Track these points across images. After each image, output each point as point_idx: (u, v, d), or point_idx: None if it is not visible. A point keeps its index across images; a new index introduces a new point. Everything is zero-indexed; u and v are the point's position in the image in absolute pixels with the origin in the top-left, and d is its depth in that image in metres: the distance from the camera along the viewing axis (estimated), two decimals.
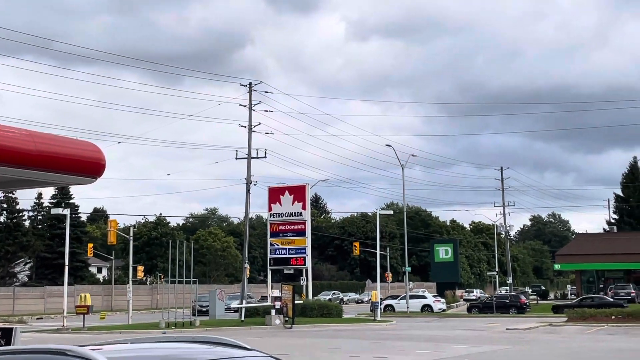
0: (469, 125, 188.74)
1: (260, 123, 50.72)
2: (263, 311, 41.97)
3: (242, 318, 41.17)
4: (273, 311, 39.09)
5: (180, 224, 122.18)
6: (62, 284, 72.12)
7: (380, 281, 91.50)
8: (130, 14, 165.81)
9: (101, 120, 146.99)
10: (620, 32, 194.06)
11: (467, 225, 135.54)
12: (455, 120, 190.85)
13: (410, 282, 79.67)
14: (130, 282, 45.72)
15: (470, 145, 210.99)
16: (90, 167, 18.08)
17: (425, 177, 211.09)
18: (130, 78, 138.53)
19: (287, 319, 38.99)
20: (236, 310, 45.19)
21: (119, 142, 56.69)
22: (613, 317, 41.59)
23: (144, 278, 69.40)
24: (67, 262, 41.63)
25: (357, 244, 71.21)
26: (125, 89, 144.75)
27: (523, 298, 58.07)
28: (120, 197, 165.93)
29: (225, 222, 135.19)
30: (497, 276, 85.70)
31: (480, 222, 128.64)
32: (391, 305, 60.30)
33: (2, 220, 71.74)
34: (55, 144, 17.26)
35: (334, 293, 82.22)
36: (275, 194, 45.38)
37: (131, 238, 46.22)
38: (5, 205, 70.65)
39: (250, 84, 50.88)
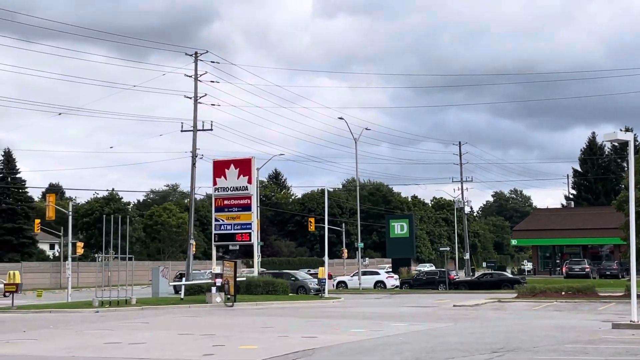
0: (435, 102, 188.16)
1: (206, 94, 49.14)
2: (207, 289, 40.58)
3: (183, 296, 39.72)
4: (214, 289, 37.72)
5: (141, 200, 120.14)
6: (9, 261, 70.33)
7: (337, 257, 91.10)
8: None
9: (65, 95, 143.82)
10: (586, 10, 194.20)
11: (428, 202, 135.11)
12: (422, 97, 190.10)
13: (366, 258, 78.91)
14: (70, 259, 44.03)
15: (436, 122, 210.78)
16: None
17: (392, 154, 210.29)
18: (95, 52, 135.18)
19: (228, 296, 37.64)
20: (179, 289, 43.73)
21: (59, 114, 54.37)
22: (563, 292, 40.84)
23: (97, 255, 67.54)
24: None
25: (312, 219, 70.07)
26: (91, 62, 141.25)
27: (452, 274, 58.92)
28: (86, 173, 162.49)
29: (187, 198, 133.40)
30: (455, 251, 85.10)
31: (441, 198, 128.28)
32: (344, 282, 59.27)
33: None
34: None
35: (283, 270, 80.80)
36: (220, 168, 43.79)
37: (70, 213, 44.41)
38: None
39: (195, 53, 49.21)
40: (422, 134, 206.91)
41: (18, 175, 75.57)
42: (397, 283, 58.26)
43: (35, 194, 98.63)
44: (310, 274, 56.84)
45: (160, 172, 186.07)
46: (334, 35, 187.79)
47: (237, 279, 39.71)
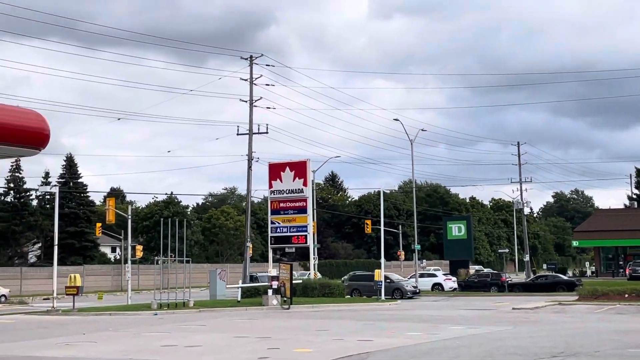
0: (493, 102, 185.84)
1: (261, 97, 49.33)
2: (264, 291, 40.67)
3: (240, 298, 39.91)
4: (270, 291, 37.78)
5: (200, 203, 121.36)
6: (71, 264, 71.71)
7: (394, 260, 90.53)
8: None
9: (126, 100, 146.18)
10: None
11: (487, 203, 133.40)
12: (480, 97, 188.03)
13: (423, 260, 78.12)
14: (129, 262, 44.61)
15: (494, 122, 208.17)
16: (31, 137, 16.47)
17: (449, 155, 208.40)
18: (155, 58, 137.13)
19: (285, 299, 37.67)
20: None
21: (118, 119, 55.13)
22: (626, 295, 39.81)
23: (157, 258, 68.46)
24: (56, 242, 40.45)
25: (368, 221, 69.54)
26: (151, 67, 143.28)
27: (504, 277, 57.90)
28: (147, 177, 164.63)
29: (245, 201, 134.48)
30: (514, 253, 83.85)
31: (500, 199, 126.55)
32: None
33: (9, 200, 71.07)
34: None
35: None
36: (275, 170, 43.94)
37: (129, 217, 45.04)
38: (12, 185, 69.93)
39: (250, 57, 49.43)
40: (480, 134, 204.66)
41: (80, 180, 77.02)
42: (455, 285, 57.62)
43: (97, 198, 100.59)
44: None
45: (219, 176, 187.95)
46: (390, 37, 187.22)
47: (294, 281, 39.72)
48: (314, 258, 77.31)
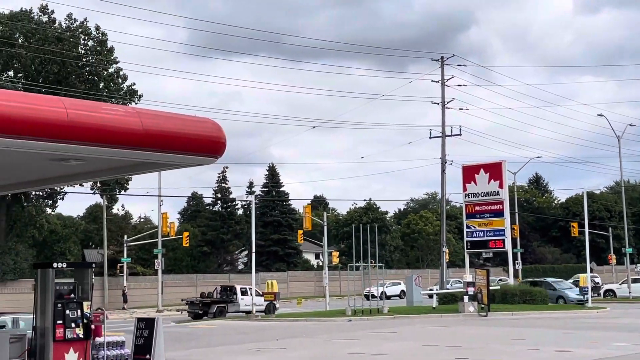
0: None
1: (453, 99, 48.21)
2: (460, 298, 39.51)
3: (435, 305, 38.98)
4: (466, 298, 36.58)
5: (401, 209, 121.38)
6: (276, 271, 74.00)
7: (607, 264, 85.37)
8: (355, 5, 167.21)
9: (331, 111, 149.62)
10: None
11: None
12: None
13: (638, 265, 73.07)
14: (326, 268, 45.14)
15: None
16: (207, 146, 16.55)
17: None
18: (357, 67, 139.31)
19: (482, 306, 36.31)
20: (430, 296, 43.06)
21: (313, 127, 56.09)
22: None
23: (355, 264, 68.93)
24: (253, 249, 41.62)
25: (575, 224, 66.33)
26: (353, 75, 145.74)
27: None
28: (351, 184, 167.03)
29: (448, 205, 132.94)
30: None
31: None
32: (612, 290, 55.20)
33: (217, 209, 74.49)
34: (166, 122, 15.90)
35: (544, 280, 77.05)
36: (469, 173, 42.62)
37: (325, 223, 45.58)
38: (219, 195, 73.27)
39: (441, 58, 48.53)
40: None
41: (282, 189, 79.32)
42: None
43: (300, 206, 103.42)
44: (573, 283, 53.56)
45: (421, 181, 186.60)
46: (598, 31, 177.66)
47: (491, 288, 38.26)
48: (517, 263, 75.03)
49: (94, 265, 18.17)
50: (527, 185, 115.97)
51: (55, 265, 17.09)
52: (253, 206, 41.43)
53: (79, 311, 17.00)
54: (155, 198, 59.24)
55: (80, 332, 16.92)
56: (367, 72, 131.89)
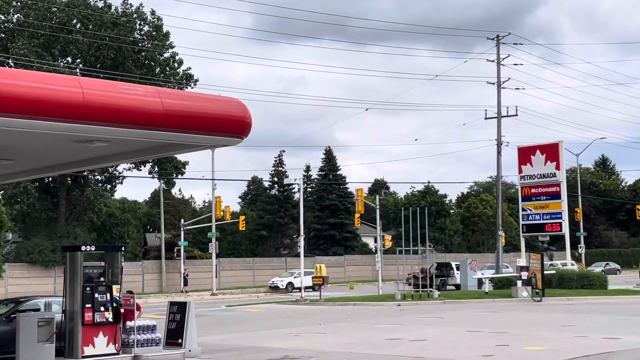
0: None
1: (509, 78, 47.00)
2: (515, 282, 38.55)
3: (487, 290, 38.07)
4: (519, 282, 35.63)
5: (465, 193, 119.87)
6: (333, 255, 73.78)
7: None
8: None
9: (395, 94, 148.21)
10: None
11: None
12: None
13: None
14: (380, 251, 44.78)
15: None
16: (232, 126, 16.18)
17: None
18: (421, 49, 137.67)
19: (537, 291, 35.32)
20: (481, 281, 42.15)
21: (366, 109, 55.42)
22: None
23: (407, 248, 68.18)
24: (302, 231, 41.30)
25: (639, 206, 64.13)
26: (418, 57, 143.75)
27: None
28: (418, 168, 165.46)
29: (512, 189, 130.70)
30: None
31: None
32: None
33: (274, 193, 74.54)
34: (188, 102, 15.58)
35: (606, 264, 75.08)
36: (525, 155, 41.41)
37: (377, 207, 45.02)
38: (276, 179, 73.29)
39: (497, 36, 47.25)
40: None
41: (339, 172, 78.90)
42: None
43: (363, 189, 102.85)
44: None
45: (487, 164, 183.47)
46: None
47: (547, 272, 37.20)
48: (580, 247, 73.10)
49: (123, 249, 18.05)
50: (592, 167, 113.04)
51: (83, 248, 17.03)
52: (302, 190, 41.30)
53: (108, 295, 16.93)
54: (224, 182, 59.47)
55: (109, 315, 16.86)
56: (432, 54, 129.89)
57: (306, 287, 43.20)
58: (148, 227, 76.72)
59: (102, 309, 16.79)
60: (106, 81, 16.57)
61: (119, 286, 17.24)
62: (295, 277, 53.08)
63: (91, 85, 13.72)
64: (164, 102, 14.46)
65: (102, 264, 17.64)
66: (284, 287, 53.50)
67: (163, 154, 17.89)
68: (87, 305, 16.60)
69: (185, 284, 58.69)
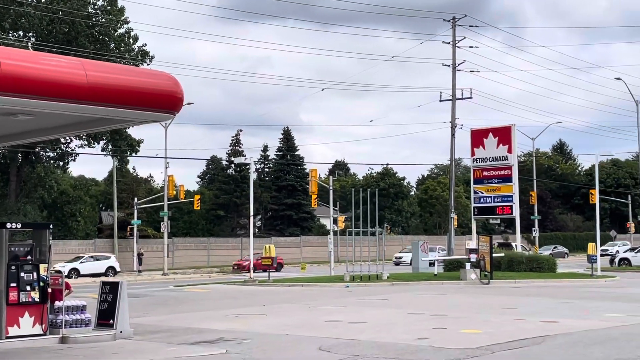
0: None
1: (464, 61, 46.93)
2: (463, 265, 38.64)
3: (436, 272, 38.15)
4: (467, 265, 35.70)
5: (425, 175, 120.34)
6: (289, 235, 73.50)
7: (624, 232, 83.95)
8: None
9: (359, 77, 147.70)
10: None
11: None
12: None
13: None
14: (331, 232, 44.77)
15: None
16: (162, 101, 15.60)
17: None
18: (386, 33, 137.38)
19: (485, 273, 35.43)
20: (432, 263, 42.23)
21: (322, 89, 55.11)
22: None
23: (358, 229, 68.18)
24: (251, 211, 40.97)
25: (593, 191, 64.15)
26: (382, 39, 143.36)
27: None
28: (380, 150, 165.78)
29: (470, 172, 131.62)
30: None
31: None
32: (627, 259, 53.92)
33: (230, 172, 73.99)
34: (115, 75, 14.95)
35: (554, 247, 75.89)
36: (478, 137, 41.42)
37: (331, 187, 44.95)
38: (232, 159, 72.75)
39: (453, 18, 47.12)
40: None
41: (297, 153, 78.54)
42: None
43: (322, 171, 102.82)
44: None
45: (448, 147, 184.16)
46: None
47: (496, 255, 37.34)
48: (534, 230, 73.76)
49: (51, 227, 17.50)
50: (550, 151, 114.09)
51: (9, 225, 16.48)
52: (252, 169, 40.91)
53: (34, 274, 16.42)
54: (184, 161, 58.86)
55: (36, 295, 16.37)
56: (396, 36, 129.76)
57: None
58: (103, 206, 75.77)
59: (28, 288, 16.30)
60: (27, 51, 15.90)
61: (46, 265, 16.75)
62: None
63: (9, 55, 13.18)
64: (88, 74, 13.94)
65: (30, 242, 17.11)
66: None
67: (95, 129, 17.41)
68: (12, 285, 16.10)
69: (140, 263, 58.05)
